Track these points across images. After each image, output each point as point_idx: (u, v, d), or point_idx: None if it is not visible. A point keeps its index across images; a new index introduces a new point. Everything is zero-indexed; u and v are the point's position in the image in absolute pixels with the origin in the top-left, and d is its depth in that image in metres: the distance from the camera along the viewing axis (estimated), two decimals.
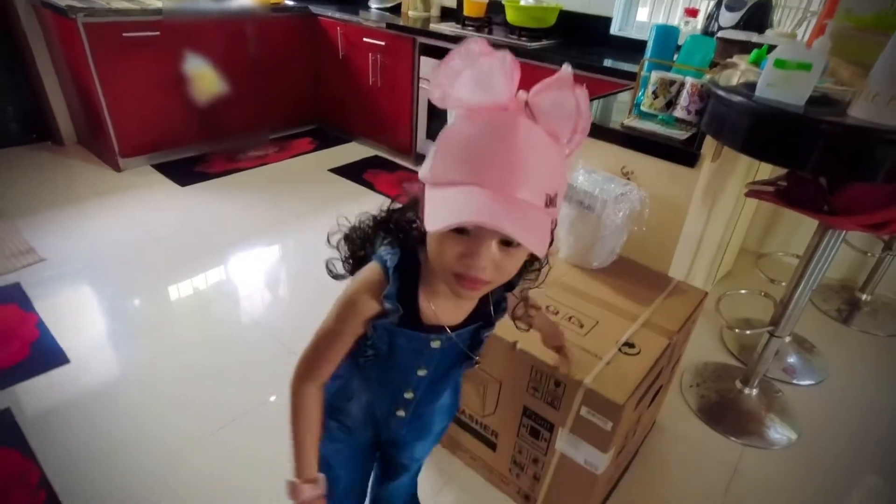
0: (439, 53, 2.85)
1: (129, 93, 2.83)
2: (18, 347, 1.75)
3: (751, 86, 1.19)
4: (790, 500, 1.45)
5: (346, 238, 0.76)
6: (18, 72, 3.06)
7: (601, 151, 1.51)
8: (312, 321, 0.74)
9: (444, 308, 0.73)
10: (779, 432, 1.64)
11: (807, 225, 1.74)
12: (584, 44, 2.81)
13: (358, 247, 0.76)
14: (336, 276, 0.78)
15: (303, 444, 0.76)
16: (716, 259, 2.15)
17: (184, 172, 3.06)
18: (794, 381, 1.84)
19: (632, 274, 1.41)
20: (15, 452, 1.41)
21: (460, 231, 0.57)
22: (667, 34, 1.55)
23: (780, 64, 1.10)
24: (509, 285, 0.77)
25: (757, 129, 1.16)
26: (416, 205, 0.66)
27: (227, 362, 1.78)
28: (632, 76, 2.07)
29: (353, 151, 3.56)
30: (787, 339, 1.65)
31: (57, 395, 1.60)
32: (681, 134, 1.44)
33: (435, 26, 3.03)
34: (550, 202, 0.56)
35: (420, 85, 3.08)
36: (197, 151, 3.25)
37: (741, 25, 1.85)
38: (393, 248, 0.70)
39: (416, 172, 0.62)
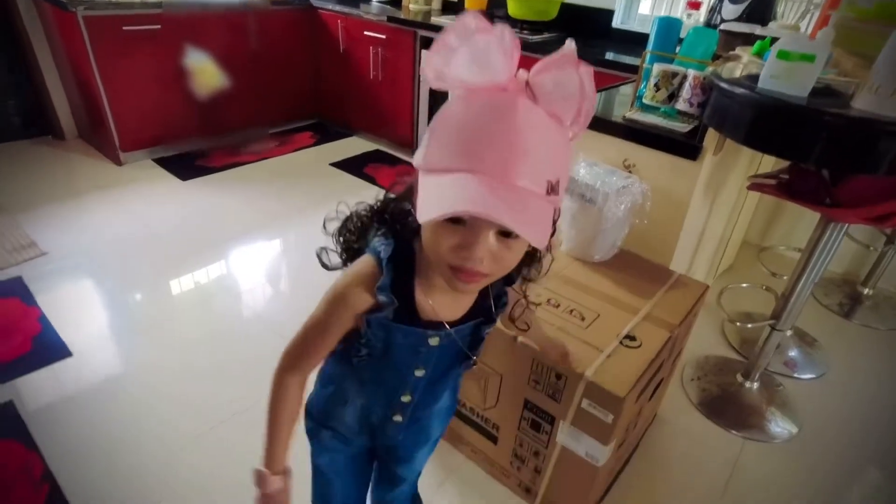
0: None
1: (129, 87, 2.83)
2: (21, 341, 1.75)
3: (753, 78, 1.18)
4: (790, 493, 1.46)
5: (342, 228, 0.73)
6: (19, 66, 3.06)
7: (603, 144, 1.50)
8: None
9: (442, 302, 0.69)
10: (779, 426, 1.64)
11: (809, 218, 1.74)
12: (586, 37, 2.80)
13: (354, 237, 0.72)
14: (329, 268, 0.74)
15: (278, 434, 0.73)
16: (717, 252, 2.14)
17: (184, 167, 3.06)
18: (796, 375, 1.84)
19: (633, 267, 1.41)
20: (18, 444, 1.42)
21: (456, 221, 0.54)
22: (669, 26, 1.55)
23: (783, 55, 1.09)
24: (509, 279, 0.74)
25: (759, 120, 1.16)
26: (411, 194, 0.62)
27: (228, 357, 1.78)
28: (634, 69, 2.06)
29: (354, 145, 3.56)
30: (789, 332, 1.65)
31: (59, 389, 1.60)
32: (683, 126, 1.43)
33: (436, 19, 3.02)
34: (552, 189, 0.52)
35: (421, 79, 3.07)
36: (198, 146, 3.24)
37: (744, 18, 1.84)
38: (387, 239, 0.67)
39: None
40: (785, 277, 1.63)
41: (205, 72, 3.04)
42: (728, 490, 1.44)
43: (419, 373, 0.76)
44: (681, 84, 1.44)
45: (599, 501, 1.36)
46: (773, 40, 1.21)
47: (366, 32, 3.16)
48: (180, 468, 1.40)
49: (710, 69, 1.39)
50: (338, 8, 3.26)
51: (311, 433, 0.88)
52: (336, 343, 0.71)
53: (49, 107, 3.17)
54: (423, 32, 2.92)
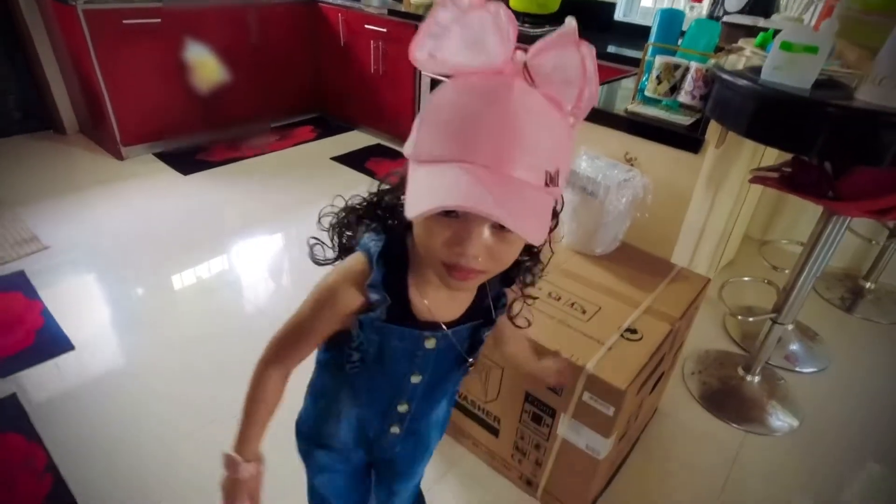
0: None
1: (130, 81, 2.82)
2: (24, 335, 1.76)
3: (756, 70, 1.17)
4: (791, 486, 1.46)
5: (336, 222, 0.69)
6: (19, 60, 3.05)
7: (604, 137, 1.50)
8: None
9: (438, 301, 0.65)
10: (780, 419, 1.64)
11: (811, 212, 1.73)
12: (588, 30, 2.74)
13: (348, 231, 0.69)
14: (320, 263, 0.70)
15: (253, 421, 0.69)
16: (719, 246, 2.14)
17: (185, 161, 3.06)
18: (797, 369, 1.84)
19: (634, 260, 1.41)
20: (21, 437, 1.43)
21: (448, 214, 0.50)
22: (671, 18, 1.54)
23: (786, 46, 1.08)
24: (508, 280, 0.70)
25: (762, 112, 1.15)
26: (405, 185, 0.57)
27: (229, 352, 1.78)
28: (636, 63, 2.05)
29: (356, 140, 3.55)
30: (790, 326, 1.65)
31: (62, 382, 1.61)
32: (685, 119, 1.42)
33: None
34: (551, 180, 0.48)
35: (422, 73, 3.07)
36: (199, 140, 3.24)
37: (747, 10, 1.83)
38: (378, 234, 0.63)
39: None
40: (786, 271, 1.63)
41: (205, 66, 3.03)
42: (729, 483, 1.45)
43: (416, 379, 0.72)
44: (683, 76, 1.43)
45: (600, 494, 1.36)
46: (776, 32, 1.20)
47: (367, 26, 3.15)
48: (181, 463, 1.40)
49: (712, 61, 1.38)
50: (338, 1, 3.25)
51: (305, 454, 0.85)
52: (322, 341, 0.68)
53: (49, 101, 3.17)
54: None
